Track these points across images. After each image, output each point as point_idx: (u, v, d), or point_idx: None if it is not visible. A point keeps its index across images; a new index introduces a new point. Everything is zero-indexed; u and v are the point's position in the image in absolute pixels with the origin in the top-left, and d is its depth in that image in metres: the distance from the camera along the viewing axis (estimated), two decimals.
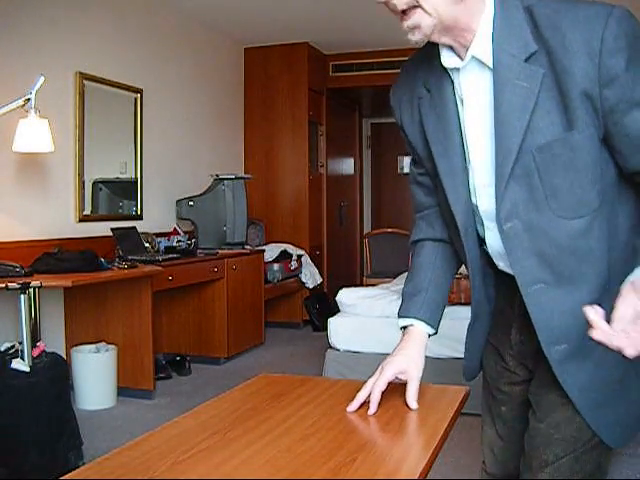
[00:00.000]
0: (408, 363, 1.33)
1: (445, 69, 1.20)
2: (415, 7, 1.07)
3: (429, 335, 1.39)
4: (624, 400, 1.20)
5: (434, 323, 1.39)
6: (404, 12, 1.09)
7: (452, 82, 1.21)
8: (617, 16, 1.04)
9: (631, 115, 1.06)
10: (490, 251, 1.28)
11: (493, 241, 1.24)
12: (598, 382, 1.19)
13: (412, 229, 1.49)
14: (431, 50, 1.24)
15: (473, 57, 1.14)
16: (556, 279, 1.17)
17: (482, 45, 1.12)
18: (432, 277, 1.40)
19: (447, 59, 1.18)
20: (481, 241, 1.29)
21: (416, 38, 1.11)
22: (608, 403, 1.19)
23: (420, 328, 1.38)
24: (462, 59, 1.17)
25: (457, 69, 1.18)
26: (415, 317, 1.40)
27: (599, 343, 0.96)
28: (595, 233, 1.14)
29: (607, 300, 1.05)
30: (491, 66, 1.12)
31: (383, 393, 1.32)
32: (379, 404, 1.32)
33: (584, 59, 1.05)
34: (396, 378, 1.31)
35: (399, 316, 1.43)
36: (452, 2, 1.08)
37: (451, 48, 1.18)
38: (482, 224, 1.25)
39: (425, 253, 1.43)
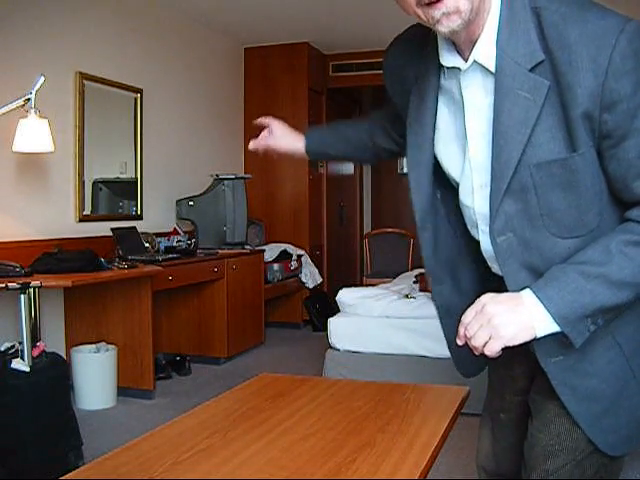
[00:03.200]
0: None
1: (439, 64, 1.17)
2: None
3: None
4: (624, 410, 1.18)
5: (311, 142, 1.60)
6: None
7: (438, 77, 1.18)
8: (629, 33, 0.97)
9: (626, 143, 1.02)
10: (485, 255, 1.26)
11: (487, 245, 1.22)
12: (597, 393, 1.17)
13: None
14: (421, 35, 1.20)
15: (475, 62, 1.10)
16: None
17: (486, 48, 1.07)
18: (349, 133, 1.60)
19: (448, 58, 1.14)
20: (466, 241, 1.29)
21: (453, 25, 1.02)
22: (608, 414, 1.18)
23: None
24: (464, 57, 1.12)
25: (458, 69, 1.13)
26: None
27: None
28: None
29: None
30: (494, 71, 1.07)
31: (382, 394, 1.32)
32: (375, 402, 1.32)
33: (589, 77, 0.98)
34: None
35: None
36: None
37: (453, 45, 1.13)
38: (476, 227, 1.24)
39: (364, 123, 1.59)
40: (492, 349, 1.07)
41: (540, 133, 1.05)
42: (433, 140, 1.22)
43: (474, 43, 1.08)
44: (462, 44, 1.11)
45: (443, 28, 1.03)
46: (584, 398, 1.17)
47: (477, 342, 1.08)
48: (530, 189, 1.08)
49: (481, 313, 1.08)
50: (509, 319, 1.06)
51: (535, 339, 1.09)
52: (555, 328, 1.06)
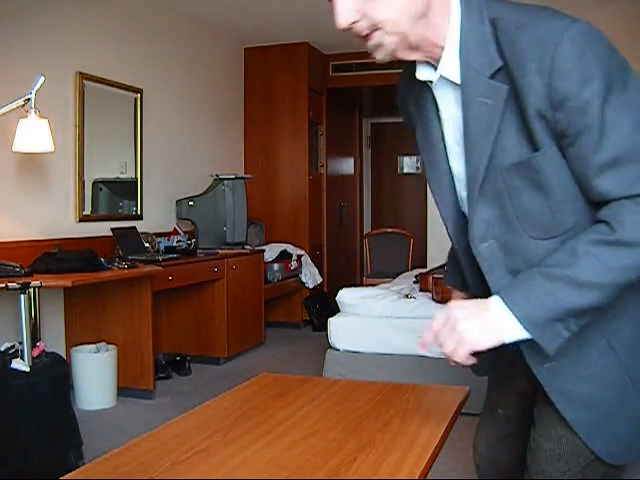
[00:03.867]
0: None
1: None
2: (376, 30, 1.05)
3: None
4: (624, 418, 1.16)
5: None
6: (367, 35, 1.07)
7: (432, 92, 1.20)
8: (574, 33, 0.98)
9: (581, 141, 1.02)
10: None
11: None
12: (593, 401, 1.15)
13: None
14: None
15: (441, 76, 1.12)
16: None
17: (450, 62, 1.10)
18: None
19: (421, 71, 1.17)
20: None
21: (380, 56, 1.09)
22: (606, 422, 1.16)
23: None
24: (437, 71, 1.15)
25: (431, 82, 1.16)
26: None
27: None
28: None
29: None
30: (459, 83, 1.10)
31: (383, 394, 1.32)
32: (375, 402, 1.32)
33: (537, 78, 1.00)
34: None
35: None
36: (413, 19, 1.05)
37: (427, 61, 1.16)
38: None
39: None
40: (459, 355, 1.09)
41: (507, 137, 1.07)
42: (446, 153, 1.21)
43: (439, 59, 1.11)
44: (430, 61, 1.14)
45: (377, 56, 1.10)
46: (580, 405, 1.15)
47: (446, 349, 1.10)
48: (504, 193, 1.10)
49: (448, 319, 1.10)
50: (474, 324, 1.07)
51: (507, 344, 1.08)
52: (524, 333, 1.05)
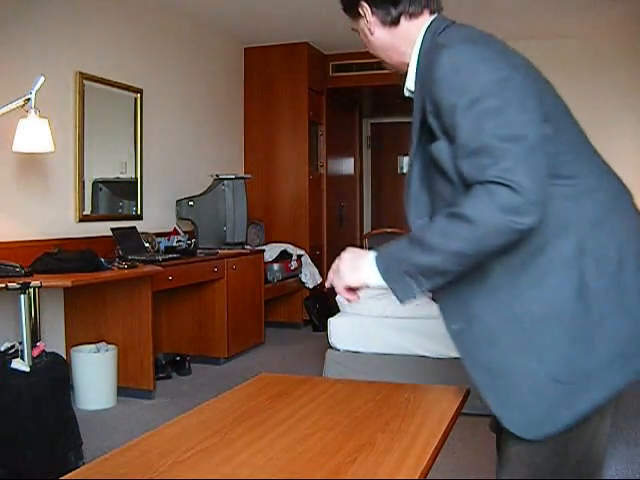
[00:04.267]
0: None
1: None
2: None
3: None
4: (528, 389, 1.21)
5: None
6: None
7: None
8: (454, 51, 1.21)
9: (453, 136, 1.19)
10: None
11: None
12: (497, 366, 1.23)
13: None
14: None
15: (406, 87, 1.40)
16: None
17: (411, 76, 1.37)
18: None
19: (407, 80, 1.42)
20: None
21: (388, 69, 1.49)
22: (509, 389, 1.22)
23: None
24: None
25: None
26: None
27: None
28: None
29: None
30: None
31: (382, 394, 1.32)
32: (375, 402, 1.32)
33: (427, 86, 1.25)
34: None
35: None
36: (383, 50, 1.41)
37: None
38: None
39: None
40: (337, 287, 1.34)
41: (426, 134, 1.29)
42: None
43: (406, 74, 1.41)
44: None
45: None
46: (483, 369, 1.25)
47: (334, 282, 1.35)
48: (430, 180, 1.32)
49: (339, 260, 1.35)
50: (350, 265, 1.32)
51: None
52: (382, 282, 1.26)
